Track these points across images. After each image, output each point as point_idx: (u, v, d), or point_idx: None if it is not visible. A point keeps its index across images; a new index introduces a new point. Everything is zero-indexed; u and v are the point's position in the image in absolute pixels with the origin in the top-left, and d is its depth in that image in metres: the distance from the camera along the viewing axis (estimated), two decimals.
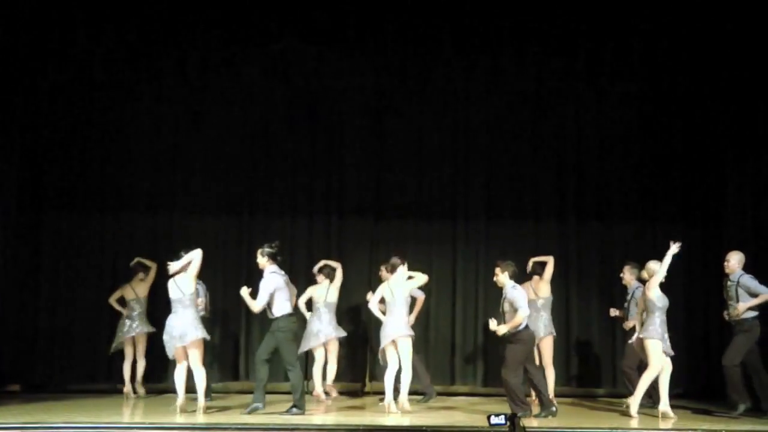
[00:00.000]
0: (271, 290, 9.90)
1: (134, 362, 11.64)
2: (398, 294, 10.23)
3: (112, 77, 12.43)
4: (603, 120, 12.69)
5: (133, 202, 12.52)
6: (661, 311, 9.77)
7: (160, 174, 12.60)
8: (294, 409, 9.84)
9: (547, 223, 12.61)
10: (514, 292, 9.73)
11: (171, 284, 9.96)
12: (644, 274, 10.17)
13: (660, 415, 9.73)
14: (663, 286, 9.92)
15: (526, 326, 9.75)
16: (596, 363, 12.45)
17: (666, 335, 9.79)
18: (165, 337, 9.92)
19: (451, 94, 12.74)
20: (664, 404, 9.78)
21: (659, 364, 9.76)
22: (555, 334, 11.06)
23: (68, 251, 12.36)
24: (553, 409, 9.85)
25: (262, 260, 10.11)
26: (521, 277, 11.09)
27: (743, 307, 9.99)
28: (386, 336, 10.15)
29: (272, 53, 12.50)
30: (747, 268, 10.52)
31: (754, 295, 10.00)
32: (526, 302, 9.73)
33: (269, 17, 12.39)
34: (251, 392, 10.28)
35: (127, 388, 11.48)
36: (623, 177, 12.62)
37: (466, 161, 12.72)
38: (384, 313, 10.32)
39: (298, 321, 10.35)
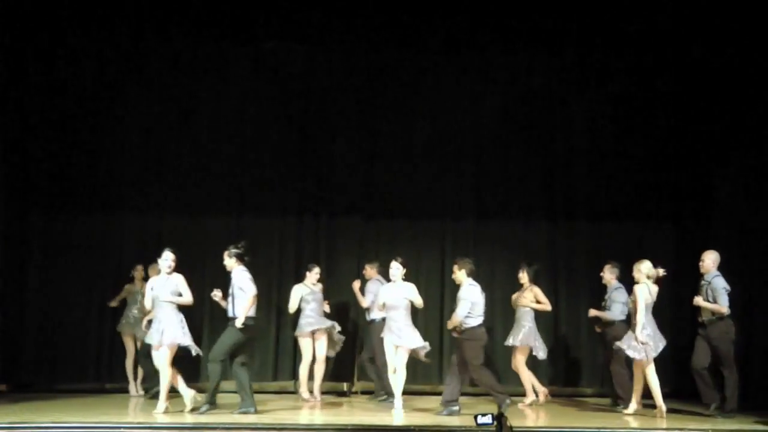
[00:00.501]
0: (251, 283, 9.85)
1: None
2: None
3: (101, 76, 12.41)
4: (591, 120, 12.73)
5: (123, 202, 12.49)
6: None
7: (149, 174, 12.58)
8: (205, 407, 9.75)
9: (536, 223, 12.65)
10: (464, 290, 9.94)
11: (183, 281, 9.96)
12: (639, 276, 10.16)
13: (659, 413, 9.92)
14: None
15: (480, 324, 9.95)
16: (584, 363, 12.47)
17: None
18: (181, 333, 9.85)
19: (440, 93, 12.75)
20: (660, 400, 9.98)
21: None
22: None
23: (56, 251, 12.31)
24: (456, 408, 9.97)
25: (230, 261, 10.00)
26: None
27: (703, 302, 9.99)
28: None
29: (263, 52, 12.52)
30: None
31: (715, 300, 10.02)
32: (470, 302, 9.88)
33: (260, 16, 12.40)
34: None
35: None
36: (612, 177, 12.64)
37: (456, 161, 12.74)
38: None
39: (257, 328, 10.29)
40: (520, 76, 12.64)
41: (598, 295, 12.10)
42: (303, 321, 11.29)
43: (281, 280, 12.36)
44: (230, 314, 9.91)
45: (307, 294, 11.34)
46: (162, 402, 9.82)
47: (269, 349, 12.29)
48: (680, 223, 12.51)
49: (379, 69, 12.64)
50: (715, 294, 10.03)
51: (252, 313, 9.92)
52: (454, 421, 9.61)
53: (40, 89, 12.37)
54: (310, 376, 11.38)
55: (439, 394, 10.95)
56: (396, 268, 10.34)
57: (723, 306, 9.99)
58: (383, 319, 10.61)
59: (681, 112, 12.58)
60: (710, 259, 10.22)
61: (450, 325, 10.10)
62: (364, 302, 11.55)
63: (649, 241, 12.39)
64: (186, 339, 9.85)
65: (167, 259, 9.91)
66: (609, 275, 10.97)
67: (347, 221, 12.66)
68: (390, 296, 10.31)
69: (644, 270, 10.11)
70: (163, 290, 9.86)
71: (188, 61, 12.51)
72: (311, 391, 11.34)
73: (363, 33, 12.49)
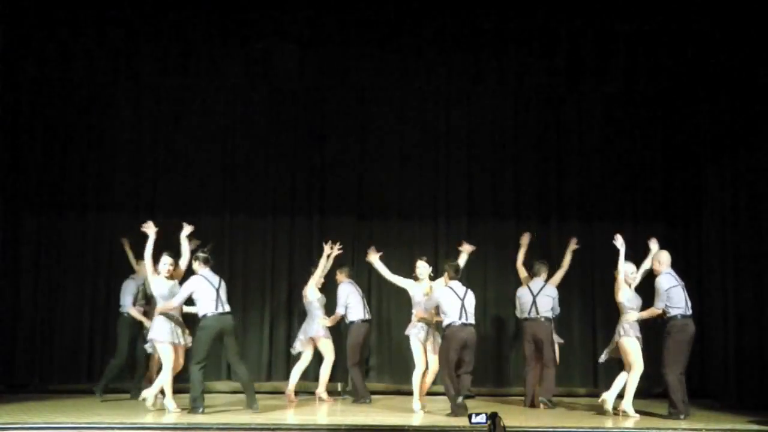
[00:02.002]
0: (187, 293, 9.93)
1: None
2: None
3: (92, 76, 12.34)
4: (583, 120, 12.78)
5: (114, 202, 12.48)
6: (634, 311, 10.02)
7: (140, 173, 12.57)
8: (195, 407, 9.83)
9: (528, 223, 12.64)
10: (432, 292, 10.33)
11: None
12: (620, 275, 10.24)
13: (621, 413, 9.94)
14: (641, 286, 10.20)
15: (461, 323, 10.02)
16: (577, 362, 12.49)
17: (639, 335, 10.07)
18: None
19: (432, 94, 12.79)
20: (629, 403, 9.96)
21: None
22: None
23: (49, 251, 12.29)
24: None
25: (194, 264, 10.11)
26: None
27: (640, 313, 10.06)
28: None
29: (254, 52, 12.45)
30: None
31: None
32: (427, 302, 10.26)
33: (251, 16, 12.35)
34: (235, 392, 10.28)
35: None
36: (604, 177, 12.69)
37: (448, 161, 12.77)
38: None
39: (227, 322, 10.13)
40: (511, 76, 12.62)
41: (590, 294, 12.27)
42: (319, 324, 11.23)
43: (274, 281, 12.36)
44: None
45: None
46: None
47: (263, 349, 12.27)
48: (672, 223, 12.55)
49: (371, 69, 12.61)
50: (658, 290, 10.00)
51: (211, 311, 9.88)
52: (448, 420, 9.63)
53: (31, 89, 12.34)
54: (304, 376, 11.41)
55: (433, 394, 11.00)
56: (423, 267, 10.60)
57: (656, 309, 9.98)
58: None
59: (672, 112, 12.64)
60: (660, 261, 10.21)
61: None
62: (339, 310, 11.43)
63: (642, 240, 12.39)
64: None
65: (166, 263, 10.10)
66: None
67: (339, 221, 12.65)
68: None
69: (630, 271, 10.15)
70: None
71: (179, 60, 12.44)
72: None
73: (354, 33, 12.47)
